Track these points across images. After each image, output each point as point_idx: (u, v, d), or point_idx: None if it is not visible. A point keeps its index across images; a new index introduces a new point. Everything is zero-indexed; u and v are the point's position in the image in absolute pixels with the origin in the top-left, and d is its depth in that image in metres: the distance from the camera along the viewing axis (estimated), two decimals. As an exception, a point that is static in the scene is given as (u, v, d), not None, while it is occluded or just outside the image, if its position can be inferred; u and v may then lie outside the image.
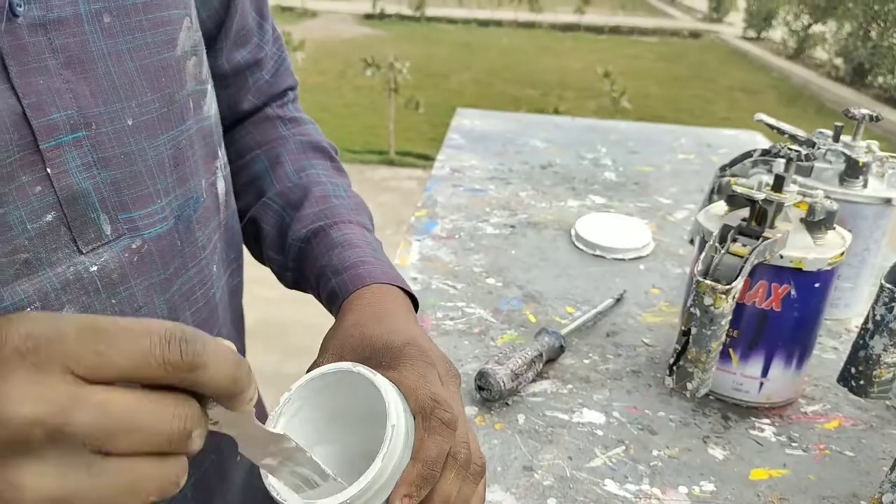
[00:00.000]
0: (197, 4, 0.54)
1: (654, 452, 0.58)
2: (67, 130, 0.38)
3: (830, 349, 0.75)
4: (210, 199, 0.51)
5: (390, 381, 0.39)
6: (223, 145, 0.54)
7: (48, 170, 0.37)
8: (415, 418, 0.39)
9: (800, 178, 0.75)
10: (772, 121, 0.79)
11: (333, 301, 0.51)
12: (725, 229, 0.59)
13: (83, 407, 0.24)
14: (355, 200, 0.60)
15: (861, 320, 0.80)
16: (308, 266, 0.54)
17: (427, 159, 4.67)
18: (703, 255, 0.59)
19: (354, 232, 0.55)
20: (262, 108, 0.63)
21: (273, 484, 0.36)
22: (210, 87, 0.51)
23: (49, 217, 0.38)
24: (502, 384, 0.62)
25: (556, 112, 4.80)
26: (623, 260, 0.92)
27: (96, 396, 0.25)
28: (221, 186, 0.53)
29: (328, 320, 0.50)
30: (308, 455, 0.34)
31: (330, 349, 0.44)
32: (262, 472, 0.36)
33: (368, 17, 11.20)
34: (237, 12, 0.56)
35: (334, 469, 0.36)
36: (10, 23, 0.35)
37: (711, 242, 0.59)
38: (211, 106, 0.51)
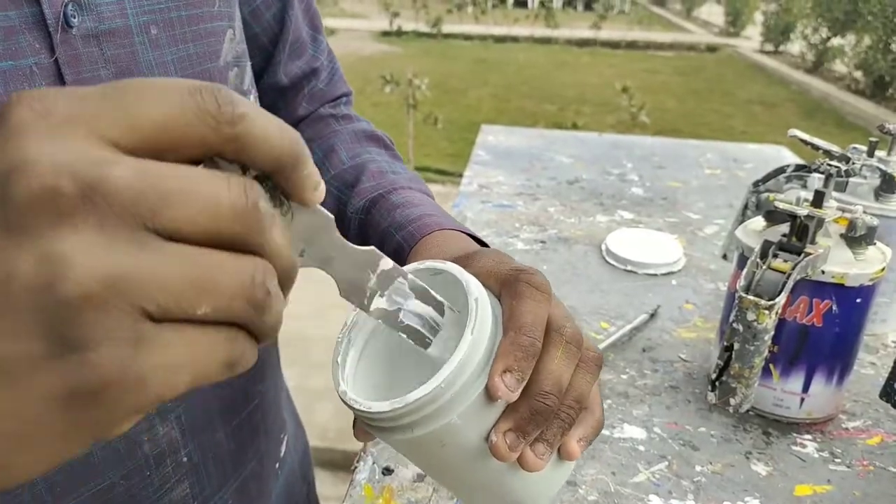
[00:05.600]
0: (249, 21, 0.55)
1: (697, 468, 0.59)
2: None
3: (868, 364, 0.74)
4: None
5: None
6: None
7: None
8: (499, 299, 0.34)
9: (835, 194, 0.75)
10: (806, 136, 0.79)
11: (399, 256, 0.48)
12: (767, 245, 0.60)
13: (120, 165, 0.19)
14: (413, 175, 0.59)
15: (900, 336, 0.80)
16: (370, 233, 0.53)
17: (446, 174, 4.70)
18: (745, 270, 0.59)
19: (415, 195, 0.54)
20: (317, 111, 0.64)
21: (354, 398, 0.31)
22: (253, 98, 0.52)
23: None
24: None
25: (575, 127, 4.81)
26: (655, 275, 0.92)
27: (133, 160, 0.20)
28: None
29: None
30: (416, 281, 0.29)
31: None
32: (341, 390, 0.32)
33: (386, 34, 11.31)
34: (291, 26, 0.58)
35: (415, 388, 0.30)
36: (65, 33, 0.36)
37: (753, 258, 0.59)
38: None
